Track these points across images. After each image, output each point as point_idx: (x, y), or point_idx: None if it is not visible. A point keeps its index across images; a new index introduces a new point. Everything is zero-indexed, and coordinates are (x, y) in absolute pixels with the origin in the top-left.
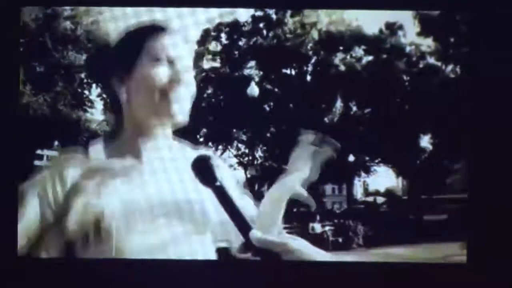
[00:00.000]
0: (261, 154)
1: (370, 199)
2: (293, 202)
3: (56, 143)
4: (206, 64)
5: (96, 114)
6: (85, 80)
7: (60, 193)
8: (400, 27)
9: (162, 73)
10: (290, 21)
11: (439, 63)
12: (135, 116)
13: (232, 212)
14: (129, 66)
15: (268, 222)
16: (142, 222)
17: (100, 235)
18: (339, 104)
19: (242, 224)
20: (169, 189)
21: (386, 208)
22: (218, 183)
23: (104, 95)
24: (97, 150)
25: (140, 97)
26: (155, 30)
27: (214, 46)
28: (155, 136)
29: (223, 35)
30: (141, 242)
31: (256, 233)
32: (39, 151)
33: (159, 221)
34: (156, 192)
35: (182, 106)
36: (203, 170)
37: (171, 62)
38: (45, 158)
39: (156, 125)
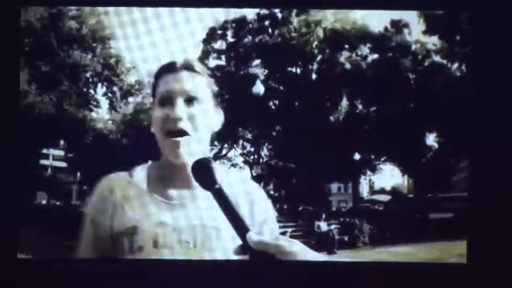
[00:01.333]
0: (267, 153)
1: (376, 197)
2: (298, 201)
3: (61, 142)
4: (212, 63)
5: (102, 113)
6: (90, 80)
7: (110, 214)
8: (406, 25)
9: (161, 114)
10: (295, 20)
11: (444, 61)
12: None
13: (231, 215)
14: (152, 105)
15: None
16: (168, 244)
17: (133, 247)
18: (344, 102)
19: (240, 226)
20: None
21: (392, 206)
22: (217, 186)
23: (110, 95)
24: (140, 173)
25: (155, 135)
26: (164, 70)
27: (219, 44)
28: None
29: (228, 33)
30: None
31: (252, 235)
32: (44, 150)
33: (182, 248)
34: (187, 222)
35: (188, 142)
36: (203, 173)
37: (171, 101)
38: (51, 157)
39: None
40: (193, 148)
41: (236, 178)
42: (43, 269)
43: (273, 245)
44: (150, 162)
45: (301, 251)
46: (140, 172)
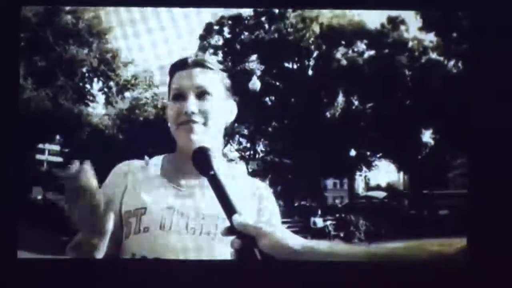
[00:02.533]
0: (263, 148)
1: (372, 193)
2: (294, 197)
3: (57, 137)
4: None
5: (98, 108)
6: (86, 74)
7: (121, 193)
8: (403, 22)
9: (174, 108)
10: (292, 15)
11: (441, 58)
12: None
13: (222, 198)
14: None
15: None
16: (174, 228)
17: (140, 227)
18: (340, 98)
19: (229, 209)
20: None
21: (387, 203)
22: (212, 172)
23: (106, 90)
24: (155, 161)
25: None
26: (178, 67)
27: (216, 40)
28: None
29: (225, 29)
30: (170, 244)
31: (237, 217)
32: (40, 145)
33: (188, 234)
34: (196, 209)
35: (201, 132)
36: (200, 160)
37: (184, 96)
38: (46, 152)
39: None
40: (205, 137)
41: (247, 180)
42: (43, 269)
43: (252, 226)
44: (165, 155)
45: (281, 233)
46: (155, 161)
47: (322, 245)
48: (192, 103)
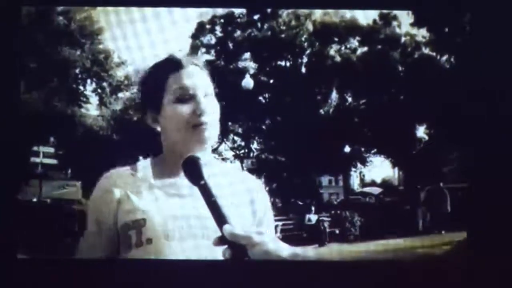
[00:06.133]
0: (257, 147)
1: (367, 189)
2: (289, 195)
3: (51, 139)
4: (201, 57)
5: (91, 109)
6: (79, 76)
7: (114, 208)
8: (395, 17)
9: (184, 110)
10: (285, 13)
11: (434, 54)
12: (172, 146)
13: (213, 208)
14: (157, 105)
15: None
16: (179, 237)
17: (142, 239)
18: (334, 95)
19: (220, 218)
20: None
21: (383, 199)
22: (202, 182)
23: (99, 90)
24: (144, 166)
25: (171, 132)
26: (171, 68)
27: (208, 39)
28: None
29: (217, 28)
30: (176, 253)
31: (227, 227)
32: (35, 148)
33: (192, 240)
34: (197, 213)
35: (211, 132)
36: (191, 170)
37: (191, 96)
38: (41, 154)
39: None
40: (214, 138)
41: (237, 177)
42: (43, 269)
43: (242, 236)
44: (151, 157)
45: (271, 242)
46: (144, 166)
47: (310, 252)
48: (204, 103)
